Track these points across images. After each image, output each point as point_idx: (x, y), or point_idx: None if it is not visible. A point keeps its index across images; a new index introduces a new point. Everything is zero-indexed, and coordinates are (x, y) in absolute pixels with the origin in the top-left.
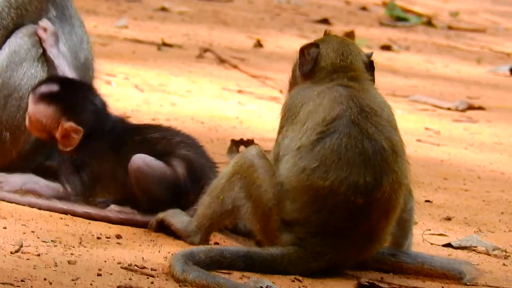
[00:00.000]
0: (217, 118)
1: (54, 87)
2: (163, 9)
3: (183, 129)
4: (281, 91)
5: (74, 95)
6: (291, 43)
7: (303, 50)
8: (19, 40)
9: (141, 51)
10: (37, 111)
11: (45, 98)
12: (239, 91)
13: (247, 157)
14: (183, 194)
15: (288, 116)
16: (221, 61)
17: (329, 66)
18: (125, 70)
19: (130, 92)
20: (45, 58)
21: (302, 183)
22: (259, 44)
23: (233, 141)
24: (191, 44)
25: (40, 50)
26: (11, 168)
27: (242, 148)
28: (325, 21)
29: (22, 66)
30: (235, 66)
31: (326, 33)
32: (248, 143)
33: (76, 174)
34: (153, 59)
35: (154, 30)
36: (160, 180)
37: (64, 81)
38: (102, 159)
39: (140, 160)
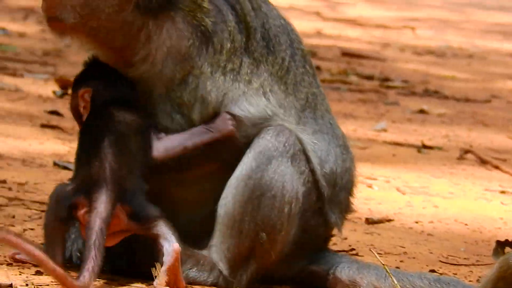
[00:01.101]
0: (481, 219)
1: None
2: (422, 111)
3: (447, 231)
4: None
5: (83, 73)
6: None
7: None
8: (265, 141)
9: (401, 153)
10: (70, 105)
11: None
12: (502, 192)
13: (510, 263)
14: None
15: None
16: (483, 162)
17: None
18: (386, 173)
19: (392, 195)
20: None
21: None
22: None
23: (498, 242)
24: (451, 146)
25: (288, 147)
26: (271, 270)
27: (507, 249)
28: None
29: (271, 164)
30: (497, 167)
31: None
32: None
33: None
34: (414, 162)
35: (414, 133)
36: None
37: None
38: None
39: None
